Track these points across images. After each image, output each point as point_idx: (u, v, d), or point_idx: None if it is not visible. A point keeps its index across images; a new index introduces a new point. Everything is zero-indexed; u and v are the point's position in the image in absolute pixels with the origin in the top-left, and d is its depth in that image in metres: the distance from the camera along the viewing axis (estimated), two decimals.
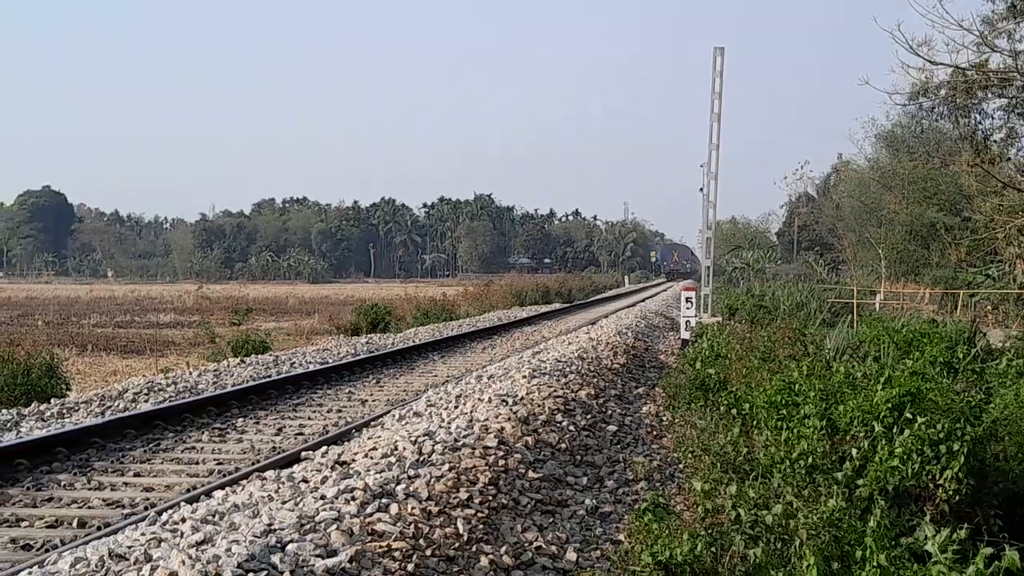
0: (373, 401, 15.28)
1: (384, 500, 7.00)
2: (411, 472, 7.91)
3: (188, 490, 9.27)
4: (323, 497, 7.08)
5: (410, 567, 6.04)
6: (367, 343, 25.48)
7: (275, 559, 5.56)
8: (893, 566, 5.51)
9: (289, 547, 5.79)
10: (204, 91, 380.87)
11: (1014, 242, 32.30)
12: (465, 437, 9.44)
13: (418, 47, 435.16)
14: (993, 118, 24.45)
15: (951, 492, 7.05)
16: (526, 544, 7.23)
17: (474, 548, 6.80)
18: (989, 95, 23.74)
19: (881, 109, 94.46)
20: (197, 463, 10.66)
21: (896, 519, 6.33)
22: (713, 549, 6.28)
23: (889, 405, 7.85)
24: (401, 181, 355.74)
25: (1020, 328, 22.83)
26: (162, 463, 10.63)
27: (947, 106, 24.20)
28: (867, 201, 53.96)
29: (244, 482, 9.13)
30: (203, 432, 12.29)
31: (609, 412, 13.30)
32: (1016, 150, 25.12)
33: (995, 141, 24.45)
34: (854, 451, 7.57)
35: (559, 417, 11.71)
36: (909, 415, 7.54)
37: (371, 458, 8.75)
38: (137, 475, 10.03)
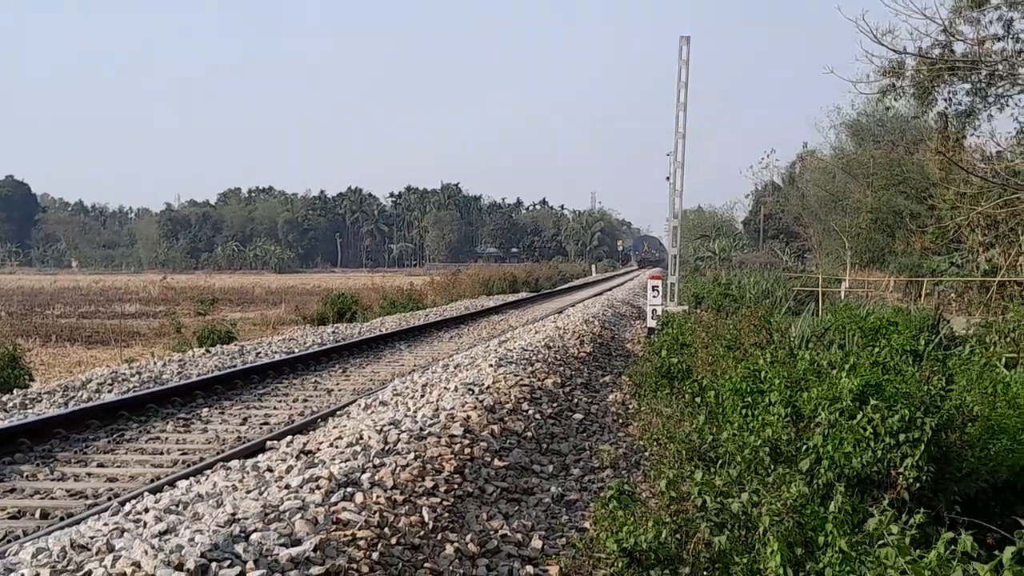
0: (339, 391, 15.24)
1: (349, 489, 6.99)
2: (376, 461, 7.90)
3: (152, 480, 9.23)
4: (288, 486, 7.06)
5: (375, 555, 6.04)
6: (334, 333, 25.42)
7: (239, 548, 5.54)
8: (854, 551, 5.55)
9: (253, 536, 5.77)
10: (170, 81, 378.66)
11: (977, 229, 32.58)
12: (431, 426, 9.45)
13: (386, 39, 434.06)
14: (960, 104, 24.64)
15: (911, 479, 7.11)
16: (491, 532, 7.25)
17: (439, 536, 6.81)
18: (955, 79, 23.91)
19: (846, 98, 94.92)
20: (161, 453, 10.60)
21: (858, 505, 6.38)
22: (678, 536, 6.31)
23: (851, 395, 7.89)
24: (368, 170, 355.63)
25: (983, 315, 23.03)
26: (126, 453, 10.57)
27: (913, 89, 24.34)
28: (832, 190, 54.30)
29: (208, 472, 9.10)
30: (167, 422, 12.23)
31: (575, 400, 13.33)
32: (973, 129, 25.35)
33: (958, 123, 24.66)
34: (814, 438, 7.61)
35: (525, 406, 11.73)
36: (870, 403, 7.59)
37: (336, 447, 8.74)
38: (100, 465, 9.97)
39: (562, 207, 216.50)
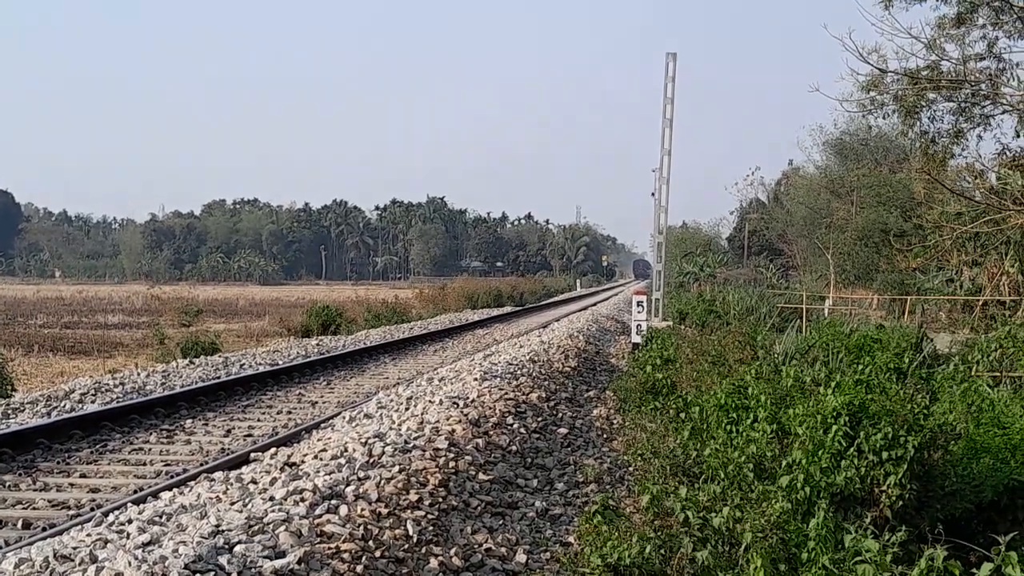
0: (323, 403, 15.22)
1: (334, 501, 6.98)
2: (361, 474, 7.89)
3: (135, 491, 9.19)
4: (272, 498, 7.05)
5: (359, 568, 6.03)
6: (318, 345, 25.40)
7: (222, 560, 5.53)
8: (837, 568, 5.57)
9: (237, 548, 5.76)
10: (154, 91, 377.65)
11: (960, 249, 32.72)
12: (416, 439, 9.44)
13: (371, 48, 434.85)
14: (943, 121, 24.72)
15: (894, 497, 7.12)
16: (476, 546, 7.24)
17: (424, 550, 6.80)
18: (939, 97, 24.00)
19: (830, 117, 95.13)
20: (144, 464, 10.57)
21: (841, 523, 6.39)
22: (662, 551, 6.32)
23: (835, 413, 7.90)
24: (353, 183, 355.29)
25: (966, 334, 23.11)
26: (109, 464, 10.53)
27: (897, 108, 24.41)
28: (817, 208, 54.37)
29: (192, 483, 9.08)
30: (151, 433, 12.18)
31: (560, 415, 13.33)
32: (961, 149, 25.40)
33: (946, 144, 24.72)
34: (793, 453, 7.61)
35: (510, 419, 11.73)
36: (852, 424, 7.59)
37: (321, 459, 8.73)
38: (83, 476, 9.93)
39: (547, 222, 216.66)
